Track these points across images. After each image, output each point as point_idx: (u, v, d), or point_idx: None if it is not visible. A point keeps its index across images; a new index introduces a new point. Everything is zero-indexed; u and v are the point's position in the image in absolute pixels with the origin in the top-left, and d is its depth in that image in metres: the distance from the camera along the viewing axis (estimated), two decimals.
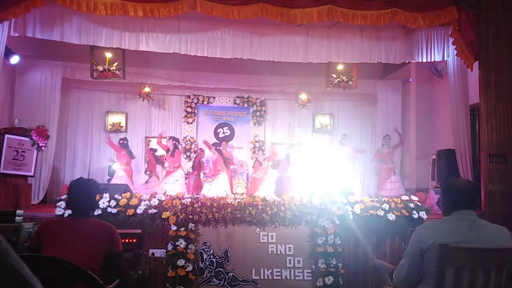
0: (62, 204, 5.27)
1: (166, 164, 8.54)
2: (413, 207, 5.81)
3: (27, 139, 6.76)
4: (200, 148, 8.90)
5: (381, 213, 5.66)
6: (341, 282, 5.29)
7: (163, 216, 5.28)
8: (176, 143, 8.50)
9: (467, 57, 6.32)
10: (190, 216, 5.25)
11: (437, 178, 7.94)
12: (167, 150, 8.33)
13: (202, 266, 5.24)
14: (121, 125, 9.95)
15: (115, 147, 8.50)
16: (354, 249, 5.58)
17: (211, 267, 5.25)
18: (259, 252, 5.35)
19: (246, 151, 10.25)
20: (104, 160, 9.80)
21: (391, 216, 5.62)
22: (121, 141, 8.52)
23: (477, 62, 6.33)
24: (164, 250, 5.06)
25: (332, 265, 5.28)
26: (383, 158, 8.64)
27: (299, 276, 5.37)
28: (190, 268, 5.12)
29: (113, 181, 7.97)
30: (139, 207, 5.35)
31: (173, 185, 7.79)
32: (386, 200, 5.95)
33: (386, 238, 5.64)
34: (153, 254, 4.67)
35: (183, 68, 9.54)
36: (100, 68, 8.06)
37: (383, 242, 5.64)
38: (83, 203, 2.69)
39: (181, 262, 5.08)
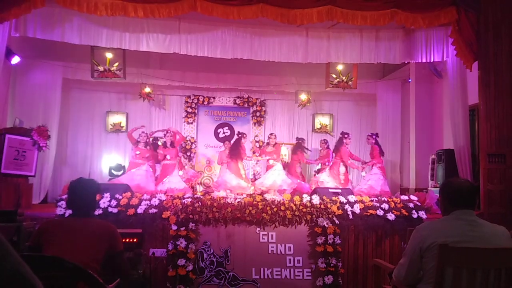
0: (63, 203, 5.30)
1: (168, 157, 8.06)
2: (413, 207, 5.83)
3: (28, 139, 6.77)
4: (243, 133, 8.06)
5: (381, 212, 5.68)
6: (341, 281, 5.31)
7: (163, 216, 5.30)
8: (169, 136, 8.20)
9: (467, 58, 6.33)
10: (191, 216, 5.27)
11: (436, 178, 7.95)
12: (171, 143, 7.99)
13: (203, 266, 5.26)
14: (122, 125, 9.96)
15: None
16: (354, 249, 5.60)
17: (212, 266, 5.27)
18: (259, 251, 5.37)
19: (246, 151, 10.24)
20: (105, 160, 9.82)
21: (391, 216, 5.64)
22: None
23: (476, 62, 6.35)
24: (165, 250, 5.07)
25: (332, 265, 5.30)
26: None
27: (299, 275, 5.38)
28: (190, 267, 5.14)
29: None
30: (139, 206, 5.38)
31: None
32: (386, 199, 5.97)
33: (385, 238, 5.65)
34: (153, 253, 4.68)
35: (183, 68, 9.56)
36: (101, 68, 8.07)
37: (383, 242, 5.65)
38: (83, 203, 2.70)
39: (181, 261, 5.10)
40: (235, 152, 7.62)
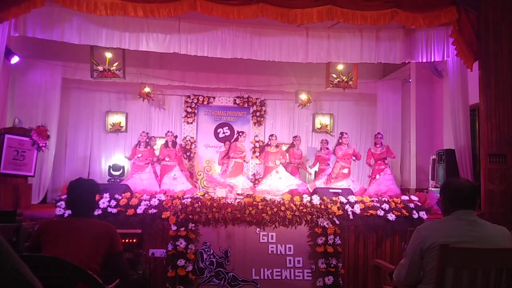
0: (62, 204, 5.29)
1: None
2: (413, 207, 5.83)
3: (27, 139, 6.76)
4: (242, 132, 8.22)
5: (381, 213, 5.67)
6: (341, 282, 5.30)
7: (163, 216, 5.30)
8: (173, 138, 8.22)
9: (467, 57, 6.33)
10: (190, 216, 5.26)
11: (437, 178, 7.94)
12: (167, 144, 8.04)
13: (202, 266, 5.25)
14: (121, 125, 9.94)
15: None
16: (354, 250, 5.59)
17: (211, 267, 5.26)
18: (259, 252, 5.36)
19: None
20: (104, 160, 9.81)
21: (391, 216, 5.64)
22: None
23: (477, 62, 6.34)
24: (164, 250, 5.06)
25: (332, 265, 5.29)
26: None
27: (299, 276, 5.37)
28: (190, 268, 5.13)
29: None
30: (139, 207, 5.38)
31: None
32: (386, 200, 5.96)
33: (386, 239, 5.64)
34: (153, 254, 4.67)
35: (183, 68, 9.55)
36: (100, 68, 8.06)
37: (383, 242, 5.64)
38: (83, 203, 2.69)
39: (181, 262, 5.10)
40: (227, 151, 8.10)
